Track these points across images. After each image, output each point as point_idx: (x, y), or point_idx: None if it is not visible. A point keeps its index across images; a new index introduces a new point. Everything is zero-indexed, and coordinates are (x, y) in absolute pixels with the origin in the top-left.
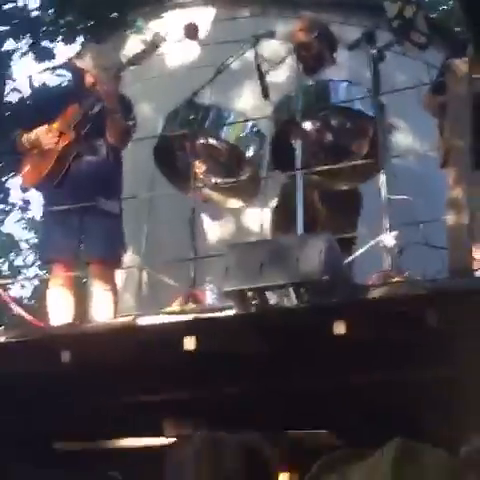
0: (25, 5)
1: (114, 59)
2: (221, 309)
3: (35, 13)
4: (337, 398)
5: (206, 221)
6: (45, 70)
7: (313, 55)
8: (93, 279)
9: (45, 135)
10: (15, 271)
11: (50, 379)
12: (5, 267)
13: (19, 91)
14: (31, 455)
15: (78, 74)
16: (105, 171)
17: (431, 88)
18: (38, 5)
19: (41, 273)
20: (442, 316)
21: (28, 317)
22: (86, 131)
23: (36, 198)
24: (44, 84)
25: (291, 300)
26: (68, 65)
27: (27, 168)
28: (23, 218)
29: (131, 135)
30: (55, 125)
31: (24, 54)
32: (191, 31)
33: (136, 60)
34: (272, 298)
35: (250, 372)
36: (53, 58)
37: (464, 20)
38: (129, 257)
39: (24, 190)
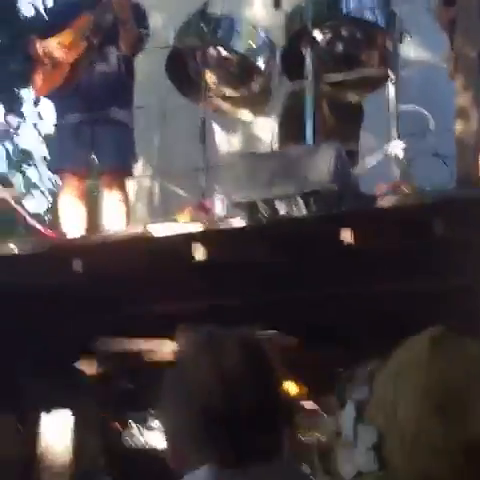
0: None
1: None
2: (231, 219)
3: None
4: (344, 307)
5: (217, 131)
6: None
7: None
8: (104, 189)
9: (58, 45)
10: (30, 184)
11: (63, 288)
12: (20, 180)
13: (34, 5)
14: (45, 367)
15: None
16: (117, 80)
17: (443, 0)
18: None
19: (52, 187)
20: (449, 225)
21: (41, 228)
22: (98, 40)
23: (48, 111)
24: None
25: (300, 210)
26: None
27: (40, 78)
28: (37, 131)
29: (143, 43)
30: (68, 35)
31: None
32: None
33: None
34: (281, 208)
35: (260, 281)
36: None
37: None
38: (141, 167)
39: (36, 102)
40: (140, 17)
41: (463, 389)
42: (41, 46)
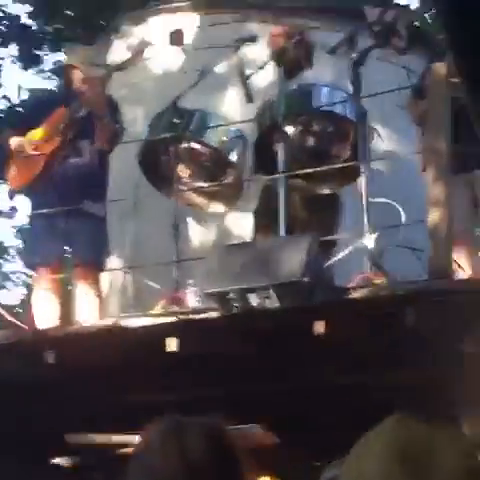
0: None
1: (101, 61)
2: (203, 311)
3: (23, 21)
4: (317, 398)
5: (190, 224)
6: (35, 73)
7: (291, 59)
8: (78, 281)
9: (32, 139)
10: (4, 277)
11: (35, 380)
12: None
13: (8, 98)
14: (15, 454)
15: (66, 76)
16: (91, 173)
17: (413, 93)
18: (27, 13)
19: (27, 279)
20: (420, 317)
21: (13, 320)
22: (73, 134)
23: (23, 204)
24: (32, 90)
25: (272, 301)
26: (56, 68)
27: (14, 171)
28: (11, 225)
29: (119, 138)
30: (42, 128)
31: (14, 62)
32: (176, 37)
33: (123, 65)
34: (253, 300)
35: (232, 373)
36: (41, 63)
37: (442, 27)
38: (114, 259)
39: (11, 196)
40: (114, 111)
41: (424, 450)
42: (15, 140)
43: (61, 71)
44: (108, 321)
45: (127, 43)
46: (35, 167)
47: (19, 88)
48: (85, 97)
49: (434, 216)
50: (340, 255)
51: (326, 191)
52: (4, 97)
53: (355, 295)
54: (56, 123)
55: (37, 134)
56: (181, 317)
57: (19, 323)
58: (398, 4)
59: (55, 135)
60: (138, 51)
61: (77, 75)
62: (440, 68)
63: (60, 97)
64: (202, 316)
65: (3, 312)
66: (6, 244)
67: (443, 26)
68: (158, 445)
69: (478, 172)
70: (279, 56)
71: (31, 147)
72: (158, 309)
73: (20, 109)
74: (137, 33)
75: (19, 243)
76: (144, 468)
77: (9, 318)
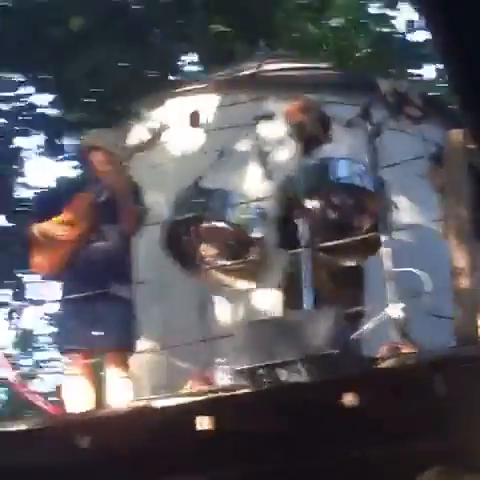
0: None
1: (122, 144)
2: (233, 388)
3: (42, 110)
4: (351, 471)
5: (217, 303)
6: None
7: (308, 134)
8: (108, 365)
9: (57, 226)
10: (36, 365)
11: (70, 466)
12: (28, 362)
13: (31, 187)
14: None
15: (85, 158)
16: (116, 256)
17: (432, 161)
18: (47, 103)
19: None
20: (449, 385)
21: (47, 407)
22: (97, 218)
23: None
24: (56, 178)
25: (301, 375)
26: (76, 154)
27: (39, 258)
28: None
29: (143, 220)
30: (66, 214)
31: (37, 152)
32: (194, 118)
33: (143, 147)
34: (282, 374)
35: (266, 449)
36: (64, 152)
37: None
38: (143, 341)
39: (39, 283)
40: (136, 193)
41: None
42: (40, 227)
43: (80, 155)
44: (139, 403)
45: (146, 126)
46: (61, 253)
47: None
48: (107, 180)
49: (458, 282)
50: (367, 326)
51: (350, 263)
52: (28, 186)
53: (383, 365)
54: (79, 208)
55: (61, 220)
56: (211, 395)
57: (52, 409)
58: (411, 74)
59: (79, 220)
60: (157, 133)
61: (97, 157)
62: (456, 135)
63: (81, 182)
64: (232, 393)
65: (38, 400)
66: (36, 332)
67: (455, 89)
68: None
69: None
70: (297, 131)
71: (57, 233)
72: (188, 389)
73: (44, 197)
74: (156, 116)
75: (49, 331)
76: None
77: (43, 405)
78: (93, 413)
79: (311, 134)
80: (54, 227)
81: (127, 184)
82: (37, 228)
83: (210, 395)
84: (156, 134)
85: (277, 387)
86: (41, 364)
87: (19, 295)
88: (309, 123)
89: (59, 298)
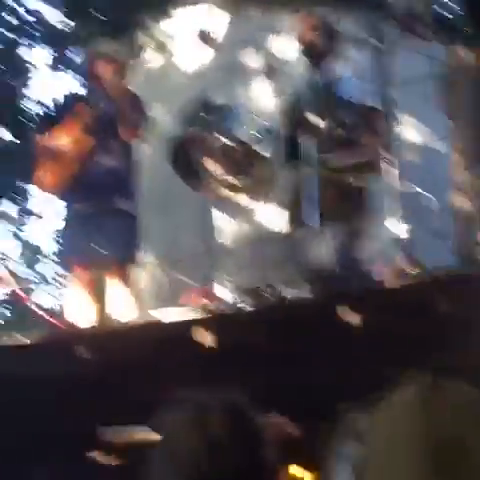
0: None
1: (128, 54)
2: (236, 304)
3: (51, 23)
4: (353, 390)
5: (221, 218)
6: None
7: (318, 52)
8: (111, 278)
9: (60, 139)
10: (41, 278)
11: (72, 378)
12: (33, 277)
13: (39, 102)
14: (55, 455)
15: (89, 69)
16: (121, 171)
17: (440, 80)
18: (59, 18)
19: (61, 279)
20: (453, 302)
21: (50, 319)
22: (100, 131)
23: (55, 205)
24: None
25: (305, 293)
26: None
27: (45, 173)
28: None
29: (142, 131)
30: (68, 127)
31: (50, 65)
32: (203, 32)
33: (141, 53)
34: (286, 292)
35: (265, 366)
36: (71, 64)
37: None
38: (146, 255)
39: (43, 197)
40: (136, 102)
41: (458, 438)
42: (44, 141)
43: (87, 67)
44: (142, 316)
45: (152, 37)
46: (65, 167)
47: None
48: (111, 91)
49: (458, 202)
50: (371, 245)
51: (356, 182)
52: (35, 101)
53: (386, 283)
54: (80, 120)
55: (63, 134)
56: (214, 311)
57: (56, 322)
58: None
59: (82, 133)
60: (160, 42)
61: (99, 67)
62: (463, 53)
63: (87, 94)
64: (235, 310)
65: (40, 312)
66: (42, 248)
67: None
68: (179, 428)
69: None
70: (308, 49)
71: (61, 147)
72: (190, 303)
73: (47, 110)
74: (164, 28)
75: (55, 247)
76: (167, 453)
77: (46, 317)
78: (96, 326)
79: (321, 51)
80: (56, 137)
81: (125, 90)
82: (39, 142)
83: (211, 310)
84: (162, 45)
85: (280, 304)
86: (46, 279)
87: (25, 209)
88: (320, 41)
89: (64, 213)
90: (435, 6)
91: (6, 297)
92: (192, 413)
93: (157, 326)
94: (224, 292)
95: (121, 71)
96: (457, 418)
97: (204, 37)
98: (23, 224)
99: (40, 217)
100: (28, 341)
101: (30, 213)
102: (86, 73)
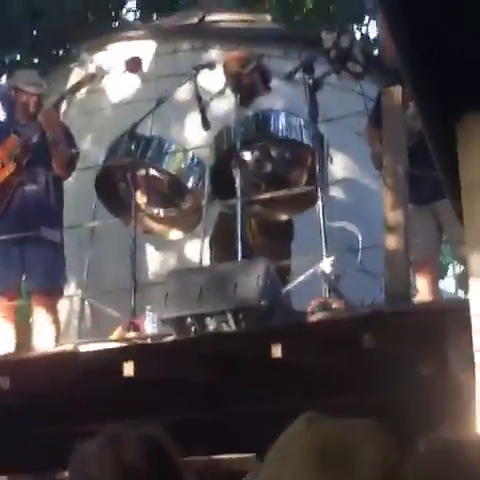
0: None
1: (60, 88)
2: (160, 336)
3: None
4: (274, 422)
5: (148, 250)
6: None
7: (246, 86)
8: (35, 309)
9: None
10: None
11: None
12: None
13: None
14: None
15: (15, 100)
16: (47, 200)
17: (370, 118)
18: None
19: None
20: (378, 340)
21: None
22: (27, 161)
23: None
24: None
25: (230, 325)
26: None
27: None
28: None
29: (75, 164)
30: None
31: None
32: (133, 65)
33: (74, 89)
34: (211, 324)
35: (189, 398)
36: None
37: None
38: (72, 286)
39: None
40: (69, 137)
41: (341, 446)
42: None
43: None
44: (65, 347)
45: (86, 71)
46: None
47: None
48: (37, 122)
49: (390, 240)
50: (297, 280)
51: (284, 217)
52: None
53: (312, 318)
54: (9, 150)
55: None
56: (138, 342)
57: None
58: (355, 30)
59: (9, 162)
60: (89, 75)
61: (23, 99)
62: (395, 91)
63: (13, 125)
64: (158, 341)
65: None
66: None
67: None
68: (95, 454)
69: (439, 203)
70: (235, 82)
71: None
72: (115, 335)
73: None
74: (96, 61)
75: None
76: (82, 478)
77: None
78: (16, 355)
79: (249, 85)
80: None
81: (58, 127)
82: None
83: (137, 342)
84: (88, 76)
85: (203, 336)
86: None
87: None
88: (246, 74)
89: None
90: (367, 44)
91: None
92: (106, 445)
93: (78, 356)
94: (149, 324)
95: (46, 103)
96: (338, 433)
97: (135, 65)
98: None
99: None
100: None
101: None
102: (10, 103)
